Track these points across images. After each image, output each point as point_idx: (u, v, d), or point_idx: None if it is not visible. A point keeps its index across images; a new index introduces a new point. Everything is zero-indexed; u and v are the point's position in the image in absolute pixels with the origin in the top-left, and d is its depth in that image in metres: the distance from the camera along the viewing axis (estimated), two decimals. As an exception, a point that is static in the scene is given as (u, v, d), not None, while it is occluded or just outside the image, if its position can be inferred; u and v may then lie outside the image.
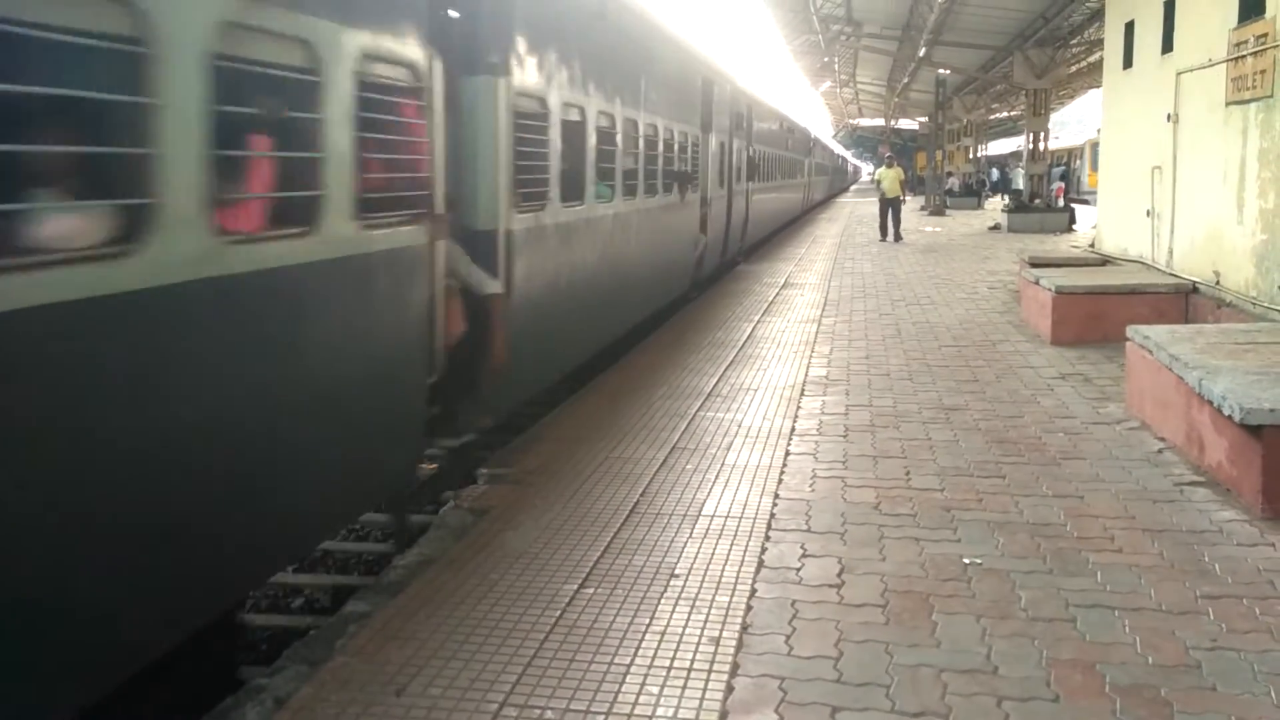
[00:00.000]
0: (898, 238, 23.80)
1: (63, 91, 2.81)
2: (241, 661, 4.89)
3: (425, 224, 5.14)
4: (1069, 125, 55.00)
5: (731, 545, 4.94)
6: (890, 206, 24.33)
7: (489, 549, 4.90)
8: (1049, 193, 28.55)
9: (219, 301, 3.50)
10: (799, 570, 4.64)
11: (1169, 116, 11.55)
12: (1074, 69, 31.41)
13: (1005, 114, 51.35)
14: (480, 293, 5.96)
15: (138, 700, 3.67)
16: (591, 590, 4.41)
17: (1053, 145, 32.53)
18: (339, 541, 6.84)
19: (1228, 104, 9.79)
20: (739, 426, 7.19)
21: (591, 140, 8.35)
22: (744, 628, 4.06)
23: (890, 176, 24.78)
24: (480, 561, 4.74)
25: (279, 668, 3.92)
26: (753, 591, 4.40)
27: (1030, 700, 3.48)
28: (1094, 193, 30.80)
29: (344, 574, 6.63)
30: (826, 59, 39.87)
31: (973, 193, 42.08)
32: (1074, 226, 25.85)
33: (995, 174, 53.75)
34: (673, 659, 3.80)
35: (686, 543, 4.97)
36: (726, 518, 5.33)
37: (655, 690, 3.58)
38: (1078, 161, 42.33)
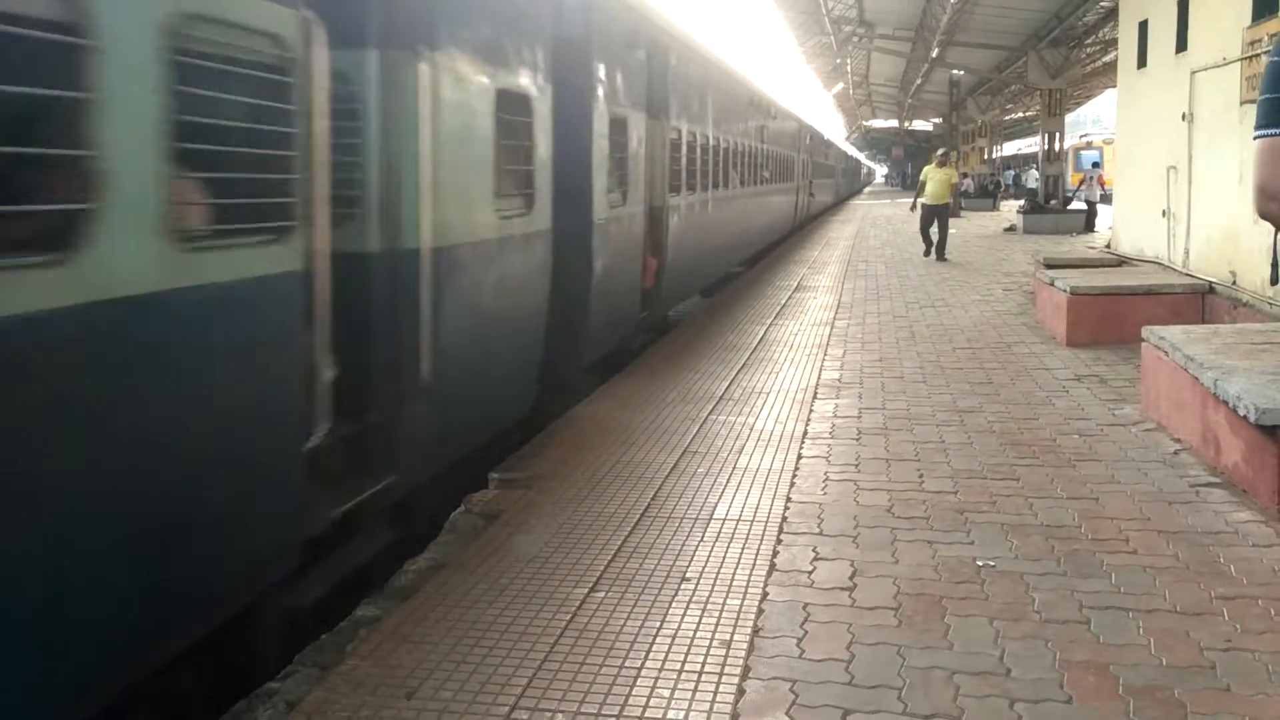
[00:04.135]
0: (940, 255, 19.07)
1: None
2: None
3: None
4: (1084, 126, 54.48)
5: (743, 548, 4.93)
6: (936, 216, 19.23)
7: (499, 553, 4.90)
8: (1065, 192, 28.37)
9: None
10: (811, 573, 4.62)
11: (1184, 116, 11.49)
12: (1089, 69, 31.28)
13: (1020, 114, 51.15)
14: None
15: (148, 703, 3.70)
16: (602, 594, 4.41)
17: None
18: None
19: (1242, 103, 9.72)
20: (751, 430, 7.18)
21: (772, 160, 21.36)
22: (755, 631, 4.05)
23: (938, 178, 19.51)
24: (491, 565, 4.74)
25: (290, 671, 3.94)
26: (764, 594, 4.39)
27: (1043, 702, 3.46)
28: (1075, 191, 30.56)
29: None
30: (839, 60, 39.86)
31: (988, 194, 41.94)
32: (1095, 227, 25.60)
33: (1011, 176, 53.05)
34: (684, 662, 3.79)
35: (698, 546, 4.97)
36: (738, 521, 5.32)
37: (666, 693, 3.57)
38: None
